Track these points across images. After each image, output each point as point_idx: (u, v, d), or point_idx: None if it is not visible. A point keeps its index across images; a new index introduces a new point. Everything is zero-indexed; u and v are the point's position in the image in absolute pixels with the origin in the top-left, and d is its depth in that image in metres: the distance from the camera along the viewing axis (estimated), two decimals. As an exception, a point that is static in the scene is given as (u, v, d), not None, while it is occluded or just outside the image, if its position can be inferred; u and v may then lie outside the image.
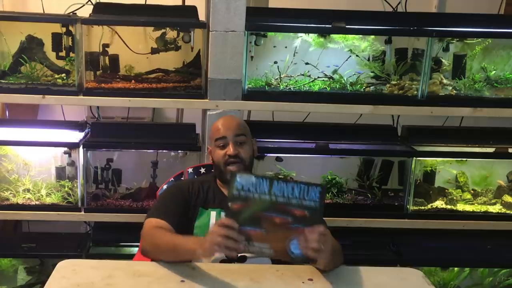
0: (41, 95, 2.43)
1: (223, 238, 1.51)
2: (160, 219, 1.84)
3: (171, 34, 2.63)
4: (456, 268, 2.77)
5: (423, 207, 2.64)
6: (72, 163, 2.61)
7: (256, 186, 1.52)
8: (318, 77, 2.62)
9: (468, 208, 2.67)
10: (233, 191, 1.53)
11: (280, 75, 2.61)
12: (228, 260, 1.84)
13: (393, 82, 2.58)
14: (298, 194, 1.52)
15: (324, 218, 1.96)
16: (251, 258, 1.84)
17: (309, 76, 2.61)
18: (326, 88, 2.57)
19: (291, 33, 2.55)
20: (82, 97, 2.48)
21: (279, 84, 2.57)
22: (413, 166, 2.57)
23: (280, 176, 1.53)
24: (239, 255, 1.85)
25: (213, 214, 1.94)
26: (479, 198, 2.72)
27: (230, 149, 1.94)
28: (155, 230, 1.79)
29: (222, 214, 1.94)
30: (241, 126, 2.02)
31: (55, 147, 2.60)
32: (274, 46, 2.61)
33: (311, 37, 2.55)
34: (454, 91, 2.57)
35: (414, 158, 2.56)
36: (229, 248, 1.52)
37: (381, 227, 2.62)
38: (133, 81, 2.57)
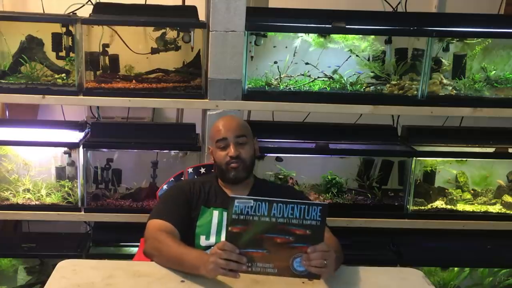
0: (41, 95, 2.43)
1: (225, 261, 1.53)
2: (163, 220, 1.84)
3: (171, 34, 2.63)
4: (456, 268, 2.77)
5: (423, 207, 2.64)
6: (72, 163, 2.61)
7: (255, 209, 1.52)
8: (318, 77, 2.62)
9: (468, 208, 2.67)
10: (232, 215, 1.53)
11: (280, 75, 2.61)
12: None
13: (393, 82, 2.58)
14: (298, 214, 1.51)
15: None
16: None
17: (309, 76, 2.61)
18: (326, 88, 2.57)
19: (291, 33, 2.55)
20: (82, 97, 2.48)
21: (279, 84, 2.57)
22: (413, 166, 2.57)
23: (277, 199, 1.52)
24: None
25: (215, 213, 1.95)
26: (479, 198, 2.72)
27: (231, 150, 1.95)
28: (159, 234, 1.78)
29: (225, 213, 1.94)
30: (242, 126, 2.02)
31: (55, 147, 2.60)
32: (274, 46, 2.61)
33: (311, 37, 2.55)
34: (454, 91, 2.57)
35: (414, 158, 2.56)
36: (231, 270, 1.54)
37: (381, 227, 2.62)
38: (133, 81, 2.57)
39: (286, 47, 2.59)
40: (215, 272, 1.56)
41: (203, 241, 1.91)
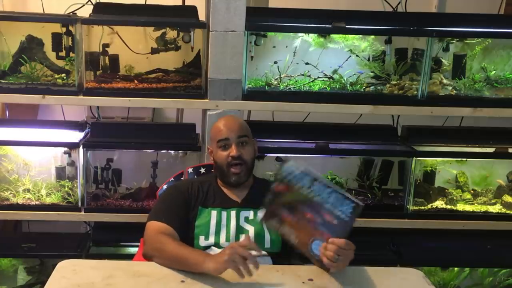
0: (41, 95, 2.43)
1: (242, 260, 1.53)
2: (162, 222, 1.84)
3: (171, 34, 2.63)
4: (456, 268, 2.77)
5: (423, 207, 2.64)
6: (72, 163, 2.61)
7: (299, 178, 1.55)
8: (318, 77, 2.62)
9: (468, 208, 2.67)
10: (282, 173, 1.56)
11: (280, 75, 2.61)
12: None
13: (393, 82, 2.58)
14: (332, 201, 1.53)
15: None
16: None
17: (309, 76, 2.61)
18: (326, 88, 2.57)
19: (291, 33, 2.55)
20: (82, 97, 2.48)
21: (279, 84, 2.57)
22: (413, 166, 2.57)
23: (322, 177, 1.54)
24: None
25: (213, 213, 1.95)
26: (479, 198, 2.72)
27: (233, 151, 1.94)
28: (160, 236, 1.78)
29: (223, 213, 1.94)
30: (243, 127, 2.02)
31: (55, 147, 2.60)
32: (274, 46, 2.61)
33: (311, 37, 2.55)
34: (454, 91, 2.57)
35: (414, 158, 2.56)
36: (242, 269, 1.53)
37: (381, 227, 2.62)
38: (135, 81, 2.57)
39: (287, 46, 2.59)
40: (227, 264, 1.55)
41: (202, 241, 1.91)
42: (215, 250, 1.88)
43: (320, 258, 1.58)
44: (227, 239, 1.90)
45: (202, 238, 1.91)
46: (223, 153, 1.97)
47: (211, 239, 1.91)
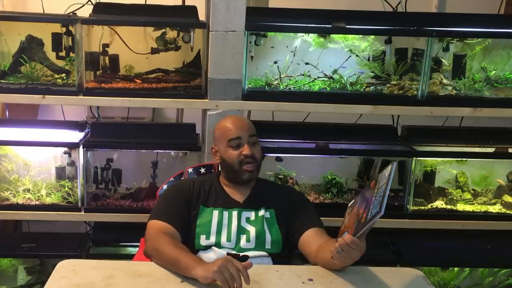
0: (41, 95, 2.43)
1: (230, 275, 1.48)
2: (163, 221, 1.84)
3: (171, 34, 2.63)
4: (456, 268, 2.77)
5: (423, 207, 2.64)
6: (72, 163, 2.61)
7: (383, 179, 1.58)
8: (318, 77, 2.62)
9: (468, 208, 2.67)
10: (385, 172, 1.59)
11: (280, 75, 2.61)
12: None
13: (393, 82, 2.58)
14: (376, 202, 1.54)
15: (322, 218, 1.99)
16: (253, 258, 1.84)
17: (309, 76, 2.61)
18: (326, 88, 2.57)
19: (291, 33, 2.55)
20: (82, 97, 2.48)
21: (279, 84, 2.57)
22: (413, 166, 2.57)
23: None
24: (241, 254, 1.86)
25: (215, 213, 1.95)
26: (479, 198, 2.72)
27: (247, 149, 1.95)
28: (160, 235, 1.78)
29: (225, 213, 1.94)
30: (252, 126, 2.04)
31: (55, 147, 2.60)
32: (272, 47, 2.60)
33: (311, 37, 2.55)
34: (454, 91, 2.57)
35: (414, 158, 2.56)
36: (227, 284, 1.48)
37: (381, 227, 2.62)
38: (138, 80, 2.57)
39: (287, 46, 2.59)
40: (216, 274, 1.49)
41: (203, 241, 1.91)
42: (215, 250, 1.89)
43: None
44: (228, 239, 1.90)
45: (203, 237, 1.91)
46: (235, 152, 1.96)
47: (212, 239, 1.91)
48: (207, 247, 1.90)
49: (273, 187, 2.21)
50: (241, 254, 1.86)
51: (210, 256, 1.88)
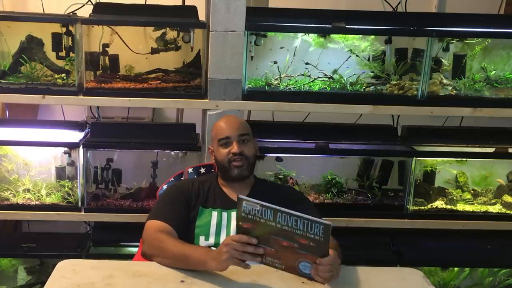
0: (41, 95, 2.43)
1: (241, 253, 1.55)
2: (162, 221, 1.84)
3: (171, 34, 2.63)
4: (456, 268, 2.77)
5: (423, 207, 2.64)
6: (72, 163, 2.61)
7: (261, 213, 1.54)
8: (318, 77, 2.62)
9: (468, 208, 2.67)
10: (241, 214, 1.55)
11: (280, 75, 2.61)
12: None
13: (393, 82, 2.58)
14: (302, 227, 1.52)
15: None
16: None
17: (309, 76, 2.61)
18: (326, 88, 2.57)
19: (291, 33, 2.55)
20: (82, 97, 2.48)
21: (279, 84, 2.57)
22: (413, 166, 2.57)
23: (282, 208, 1.54)
24: None
25: (214, 214, 1.95)
26: (479, 198, 2.72)
27: (234, 147, 1.95)
28: (159, 234, 1.78)
29: (224, 214, 1.94)
30: (245, 126, 2.03)
31: (55, 147, 2.60)
32: (271, 49, 2.60)
33: (311, 37, 2.55)
34: (454, 91, 2.57)
35: (414, 158, 2.56)
36: (246, 259, 1.56)
37: (381, 227, 2.62)
38: (140, 79, 2.56)
39: (287, 49, 2.58)
40: (227, 263, 1.57)
41: (202, 242, 1.91)
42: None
43: (313, 277, 1.59)
44: None
45: (202, 238, 1.91)
46: (224, 150, 1.97)
47: (211, 240, 1.91)
48: None
49: (272, 187, 2.21)
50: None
51: None
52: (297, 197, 2.09)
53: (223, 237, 1.90)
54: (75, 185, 2.56)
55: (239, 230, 1.58)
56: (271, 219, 1.53)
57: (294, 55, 2.59)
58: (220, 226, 1.92)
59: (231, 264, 1.57)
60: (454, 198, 2.69)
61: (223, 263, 1.58)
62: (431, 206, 2.65)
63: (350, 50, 2.58)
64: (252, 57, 2.53)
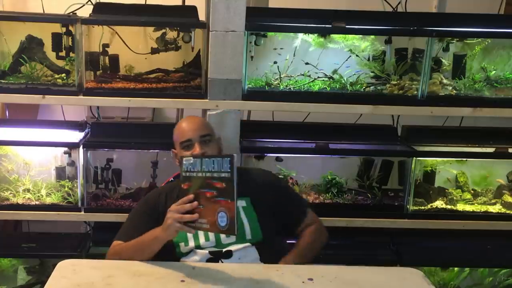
0: (41, 95, 2.43)
1: (182, 218, 1.65)
2: (124, 242, 1.91)
3: (171, 34, 2.63)
4: (456, 268, 2.77)
5: (423, 207, 2.64)
6: (72, 163, 2.61)
7: (194, 166, 1.67)
8: (318, 77, 2.62)
9: (468, 208, 2.67)
10: (182, 173, 1.70)
11: (280, 75, 2.61)
12: (214, 258, 1.86)
13: (393, 82, 2.58)
14: (216, 167, 1.61)
15: (321, 218, 1.99)
16: (237, 251, 1.84)
17: (309, 76, 2.61)
18: (326, 88, 2.57)
19: (291, 33, 2.55)
20: (82, 97, 2.48)
21: (279, 84, 2.57)
22: (413, 166, 2.57)
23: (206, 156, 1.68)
24: (224, 250, 1.86)
25: None
26: (479, 198, 2.72)
27: (196, 149, 1.95)
28: (116, 248, 1.90)
29: None
30: (206, 126, 2.05)
31: (55, 147, 2.60)
32: (275, 48, 2.60)
33: (311, 37, 2.55)
34: (454, 91, 2.57)
35: (414, 158, 2.56)
36: (186, 220, 1.65)
37: (381, 227, 2.62)
38: (140, 79, 2.56)
39: (279, 53, 2.58)
40: (173, 228, 1.67)
41: (183, 248, 1.92)
42: (198, 252, 1.90)
43: (228, 226, 1.61)
44: (207, 239, 1.91)
45: (182, 245, 1.92)
46: (187, 153, 1.96)
47: (191, 244, 1.91)
48: (189, 253, 1.90)
49: (241, 173, 2.14)
50: (224, 250, 1.86)
51: (195, 258, 1.89)
52: (275, 183, 2.12)
53: (201, 238, 1.91)
54: (75, 185, 2.56)
55: (181, 193, 1.71)
56: (199, 169, 1.65)
57: (294, 55, 2.60)
58: None
59: (177, 229, 1.67)
60: (454, 198, 2.69)
61: (168, 229, 1.68)
62: (431, 206, 2.65)
63: (350, 50, 2.58)
64: (252, 57, 2.53)
